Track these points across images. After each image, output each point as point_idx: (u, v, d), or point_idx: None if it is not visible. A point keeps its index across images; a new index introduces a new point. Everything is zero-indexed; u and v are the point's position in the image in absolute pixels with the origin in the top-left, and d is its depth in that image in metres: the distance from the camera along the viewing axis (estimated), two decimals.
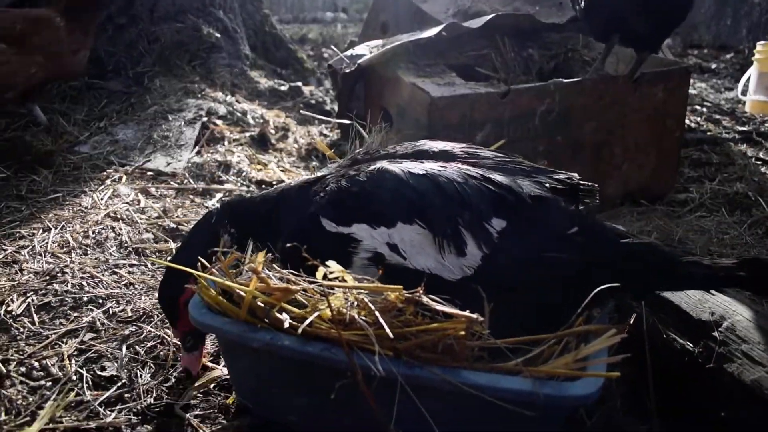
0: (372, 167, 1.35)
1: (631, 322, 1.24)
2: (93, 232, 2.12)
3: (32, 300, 1.72)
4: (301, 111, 3.56)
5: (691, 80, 5.39)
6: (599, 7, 2.35)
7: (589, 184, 1.37)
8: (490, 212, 1.26)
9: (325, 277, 1.12)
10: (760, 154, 3.25)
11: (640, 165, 2.57)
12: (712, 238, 2.23)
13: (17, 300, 1.71)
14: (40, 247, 1.99)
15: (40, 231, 2.10)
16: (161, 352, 1.57)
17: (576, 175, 1.39)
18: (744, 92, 4.41)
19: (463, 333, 1.05)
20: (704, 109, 4.19)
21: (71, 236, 2.07)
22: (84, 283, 1.82)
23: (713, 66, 6.13)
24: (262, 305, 1.18)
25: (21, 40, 2.70)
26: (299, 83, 4.17)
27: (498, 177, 1.31)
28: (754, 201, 2.57)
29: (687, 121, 3.77)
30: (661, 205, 2.59)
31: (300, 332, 1.09)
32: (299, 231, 1.34)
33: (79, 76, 3.29)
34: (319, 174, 1.50)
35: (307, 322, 1.04)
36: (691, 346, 1.35)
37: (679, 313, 1.42)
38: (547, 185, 1.32)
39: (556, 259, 1.24)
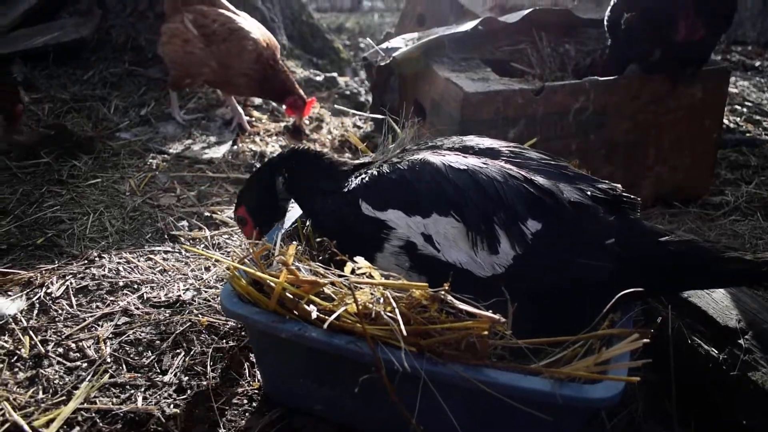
0: (415, 156, 1.38)
1: (657, 326, 1.24)
2: (130, 218, 2.18)
3: (71, 283, 1.78)
4: (335, 105, 3.59)
5: (734, 78, 5.28)
6: (643, 27, 2.33)
7: (632, 196, 1.36)
8: (526, 213, 1.27)
9: (353, 272, 1.14)
10: None
11: (674, 166, 2.54)
12: (745, 243, 2.20)
13: (56, 282, 1.78)
14: (80, 231, 2.06)
15: (80, 215, 2.16)
16: (194, 338, 1.61)
17: (619, 186, 1.38)
18: None
19: (485, 333, 1.07)
20: (744, 109, 4.10)
21: (109, 222, 2.13)
22: (120, 268, 1.87)
23: (757, 64, 5.98)
24: (291, 297, 1.21)
25: (210, 40, 2.84)
26: (335, 74, 4.20)
27: (540, 179, 1.32)
28: None
29: (726, 122, 3.70)
30: (695, 208, 2.55)
31: (327, 325, 1.12)
32: (339, 210, 1.40)
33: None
34: (367, 159, 1.57)
35: (334, 315, 1.07)
36: (716, 352, 1.34)
37: (706, 319, 1.41)
38: (589, 193, 1.32)
39: (588, 266, 1.24)
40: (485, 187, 1.28)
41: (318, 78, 4.05)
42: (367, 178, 1.40)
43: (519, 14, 2.67)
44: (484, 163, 1.34)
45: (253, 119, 3.26)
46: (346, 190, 1.42)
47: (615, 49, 2.46)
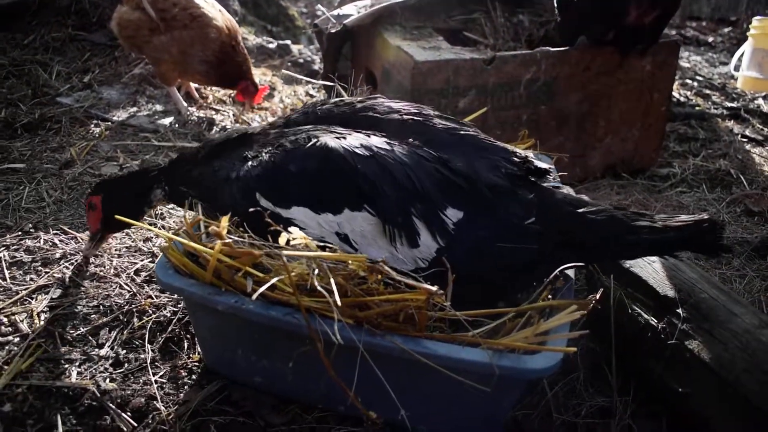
0: (314, 143, 1.25)
1: (597, 297, 1.24)
2: (69, 188, 2.10)
3: (4, 255, 1.71)
4: (283, 71, 3.51)
5: (687, 53, 5.36)
6: (596, 11, 2.32)
7: (544, 166, 1.31)
8: (444, 202, 1.21)
9: (288, 243, 1.11)
10: (747, 132, 3.24)
11: (623, 138, 2.56)
12: (690, 214, 2.23)
13: None
14: (15, 201, 1.97)
15: (16, 185, 2.08)
16: (133, 311, 1.57)
17: (530, 153, 1.34)
18: (737, 68, 4.38)
19: (423, 304, 1.05)
20: (695, 83, 4.16)
21: (46, 192, 2.05)
22: (57, 240, 1.81)
23: (710, 39, 6.08)
24: (228, 269, 1.17)
25: (170, 25, 2.65)
26: (288, 41, 4.11)
27: (453, 162, 1.24)
28: (735, 179, 2.57)
29: (677, 95, 3.75)
30: (643, 179, 2.58)
31: (260, 297, 1.09)
32: (235, 204, 1.27)
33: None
34: (249, 130, 1.43)
35: (265, 287, 1.04)
36: (655, 321, 1.36)
37: (646, 289, 1.42)
38: (503, 170, 1.27)
39: (513, 249, 1.21)
40: (396, 175, 1.19)
41: (271, 45, 3.96)
42: (260, 168, 1.26)
43: None
44: (390, 145, 1.24)
45: (203, 87, 3.17)
46: (234, 176, 1.29)
47: (566, 21, 2.45)
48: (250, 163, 1.29)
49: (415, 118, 1.35)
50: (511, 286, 1.22)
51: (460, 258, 1.19)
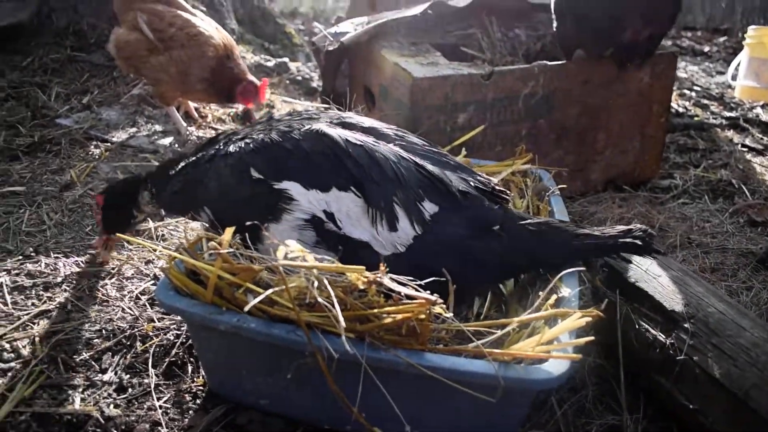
0: (307, 127, 1.35)
1: (602, 307, 1.23)
2: (70, 211, 2.09)
3: (5, 280, 1.69)
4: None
5: (683, 63, 5.37)
6: (591, 20, 2.32)
7: (505, 192, 1.43)
8: (422, 195, 1.30)
9: (285, 256, 1.10)
10: (746, 141, 3.24)
11: (623, 150, 2.56)
12: (693, 225, 2.22)
13: None
14: (15, 225, 1.97)
15: (16, 209, 2.07)
16: (136, 332, 1.55)
17: (494, 180, 1.47)
18: (734, 77, 4.39)
19: (423, 316, 1.04)
20: (693, 94, 4.16)
21: (47, 215, 2.04)
22: (58, 263, 1.79)
23: (706, 49, 6.10)
24: (229, 286, 1.16)
25: (167, 45, 2.65)
26: (286, 59, 4.12)
27: (429, 165, 1.36)
28: (737, 189, 2.56)
29: (675, 106, 3.76)
30: (644, 191, 2.57)
31: (263, 314, 1.08)
32: (221, 185, 1.34)
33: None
34: (235, 130, 1.50)
35: (259, 298, 1.03)
36: (663, 337, 1.34)
37: (653, 304, 1.41)
38: (471, 183, 1.38)
39: (480, 248, 1.31)
40: (382, 164, 1.29)
41: (269, 63, 3.97)
42: (253, 144, 1.34)
43: None
44: (376, 143, 1.35)
45: (201, 106, 3.18)
46: (222, 153, 1.36)
47: (563, 36, 2.45)
48: (241, 142, 1.37)
49: (395, 131, 1.47)
50: (474, 282, 1.34)
51: (434, 248, 1.29)
